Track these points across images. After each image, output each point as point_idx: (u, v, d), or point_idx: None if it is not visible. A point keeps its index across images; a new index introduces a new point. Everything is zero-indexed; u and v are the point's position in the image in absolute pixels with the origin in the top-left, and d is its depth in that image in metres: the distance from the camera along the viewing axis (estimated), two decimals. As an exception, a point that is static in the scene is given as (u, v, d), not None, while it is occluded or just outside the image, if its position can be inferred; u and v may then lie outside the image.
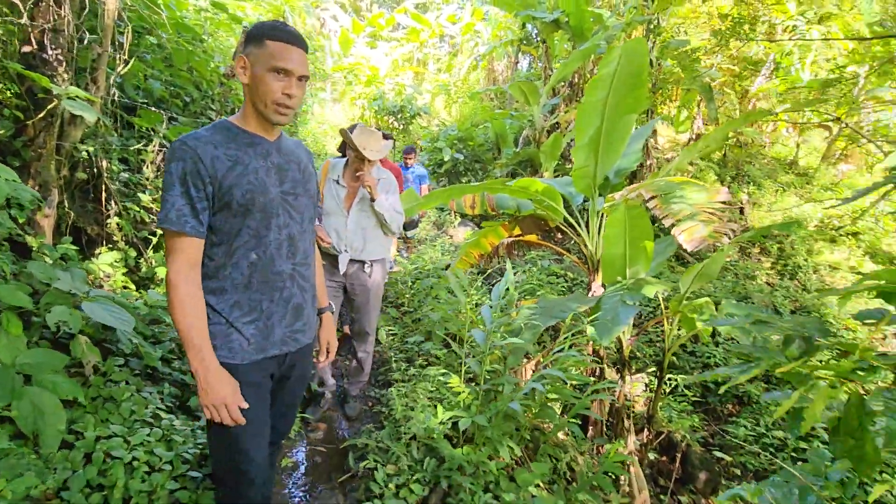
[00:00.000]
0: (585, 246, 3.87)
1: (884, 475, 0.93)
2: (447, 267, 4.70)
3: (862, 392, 0.83)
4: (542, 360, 3.25)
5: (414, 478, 2.10)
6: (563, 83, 8.80)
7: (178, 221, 1.28)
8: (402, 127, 12.15)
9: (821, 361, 1.13)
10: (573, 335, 3.38)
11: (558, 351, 3.06)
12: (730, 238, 1.95)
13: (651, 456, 4.22)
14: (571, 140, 7.29)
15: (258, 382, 1.41)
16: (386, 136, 3.61)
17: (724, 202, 2.35)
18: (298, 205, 1.47)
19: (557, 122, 8.53)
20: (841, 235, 7.16)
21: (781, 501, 1.22)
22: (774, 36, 6.93)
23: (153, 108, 3.37)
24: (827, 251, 7.01)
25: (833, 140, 8.40)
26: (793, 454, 4.17)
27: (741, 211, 7.82)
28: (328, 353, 1.76)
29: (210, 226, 1.35)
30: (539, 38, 9.59)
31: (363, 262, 2.79)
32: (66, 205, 2.65)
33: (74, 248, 2.50)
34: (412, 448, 2.28)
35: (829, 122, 6.20)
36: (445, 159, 9.45)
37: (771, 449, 4.52)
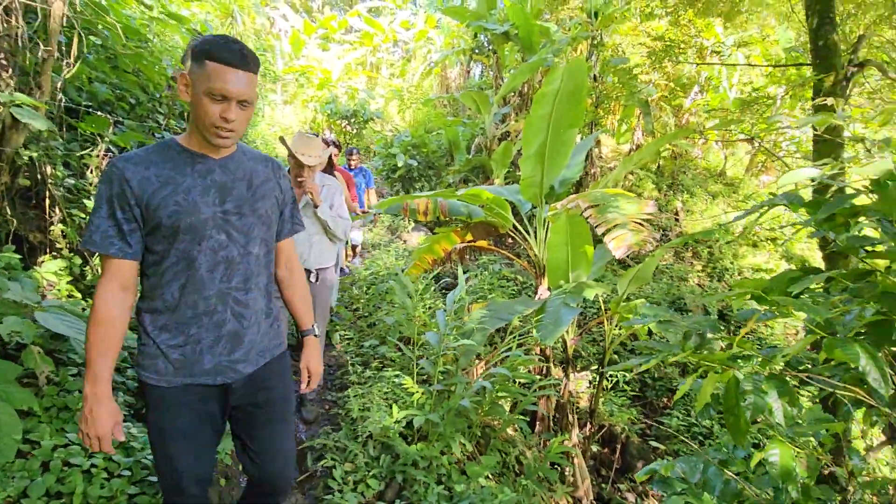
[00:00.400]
0: (533, 251, 4.11)
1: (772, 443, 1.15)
2: (401, 271, 4.82)
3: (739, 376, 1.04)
4: (491, 360, 3.43)
5: (371, 474, 2.21)
6: (513, 93, 9.13)
7: (103, 244, 1.27)
8: (355, 131, 12.15)
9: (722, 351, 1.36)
10: (520, 336, 3.59)
11: (506, 351, 3.25)
12: (653, 246, 2.19)
13: (594, 448, 4.51)
14: (521, 148, 7.59)
15: (189, 403, 1.38)
16: (333, 143, 3.69)
17: (651, 213, 2.63)
18: (242, 225, 1.38)
19: (508, 131, 8.84)
20: (761, 241, 7.85)
21: (688, 473, 1.43)
22: (704, 57, 7.53)
23: (98, 112, 3.29)
24: (750, 255, 7.67)
25: (754, 154, 9.19)
26: (718, 440, 4.58)
27: (676, 217, 8.41)
28: (309, 380, 1.63)
29: (147, 246, 1.34)
30: (490, 48, 9.91)
31: (309, 271, 2.81)
32: (8, 212, 2.57)
33: (17, 256, 2.43)
34: (369, 446, 2.38)
35: (751, 138, 6.82)
36: (399, 165, 9.56)
37: (700, 437, 4.93)
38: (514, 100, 9.34)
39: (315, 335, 1.65)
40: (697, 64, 7.13)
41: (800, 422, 1.26)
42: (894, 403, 1.18)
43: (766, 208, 1.22)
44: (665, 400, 5.71)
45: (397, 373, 2.98)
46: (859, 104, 6.20)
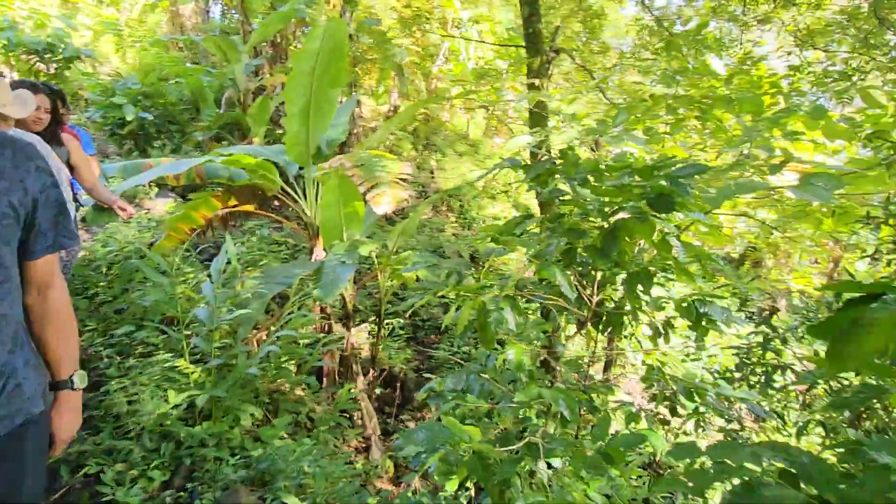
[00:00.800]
0: (305, 213, 4.09)
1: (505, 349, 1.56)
2: (151, 245, 4.21)
3: (484, 300, 1.36)
4: (273, 326, 3.38)
5: (152, 466, 2.01)
6: (265, 43, 8.48)
7: None
8: (53, 71, 9.47)
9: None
10: (301, 298, 3.62)
11: (289, 314, 3.25)
12: (414, 202, 2.51)
13: (377, 391, 4.93)
14: (280, 105, 7.22)
15: None
16: (52, 91, 2.91)
17: (409, 173, 2.96)
18: None
19: (263, 85, 8.24)
20: (498, 193, 9.42)
21: (456, 384, 1.79)
22: (447, 29, 8.34)
23: None
24: (490, 206, 9.15)
25: (488, 119, 10.81)
26: (474, 359, 5.55)
27: (432, 175, 9.36)
28: (57, 444, 1.25)
29: None
30: (233, -12, 8.88)
31: None
32: None
33: None
34: (144, 440, 2.14)
35: (485, 105, 7.98)
36: (129, 118, 7.95)
37: (462, 361, 5.86)
38: (267, 50, 8.70)
39: (73, 388, 1.25)
40: (441, 35, 7.88)
41: (525, 328, 1.71)
42: (581, 305, 1.70)
43: (496, 170, 1.58)
44: (433, 337, 6.54)
45: (168, 355, 2.69)
46: (558, 83, 7.86)
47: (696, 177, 2.22)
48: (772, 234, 4.39)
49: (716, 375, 3.84)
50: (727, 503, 0.56)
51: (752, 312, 5.20)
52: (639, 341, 2.45)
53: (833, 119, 3.28)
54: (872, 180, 3.22)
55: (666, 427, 2.13)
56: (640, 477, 3.03)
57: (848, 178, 3.09)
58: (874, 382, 1.05)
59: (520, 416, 1.75)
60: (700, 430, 2.68)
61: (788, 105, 3.55)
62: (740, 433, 3.39)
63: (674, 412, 2.16)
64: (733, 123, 3.92)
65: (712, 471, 0.59)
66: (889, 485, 0.66)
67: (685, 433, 2.93)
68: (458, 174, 9.13)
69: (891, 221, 3.39)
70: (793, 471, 0.54)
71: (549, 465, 1.72)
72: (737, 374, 3.75)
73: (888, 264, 3.80)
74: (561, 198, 1.52)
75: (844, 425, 2.71)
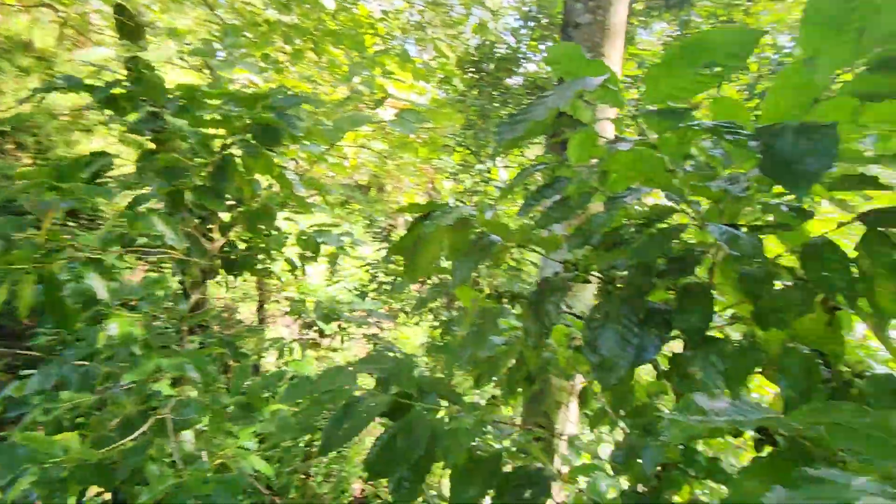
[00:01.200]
0: None
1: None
2: None
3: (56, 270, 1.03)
4: None
5: None
6: None
7: None
8: None
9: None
10: None
11: None
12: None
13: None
14: None
15: None
16: None
17: None
18: None
19: None
20: (96, 125, 7.45)
21: (43, 382, 1.36)
22: None
23: None
24: (86, 140, 7.17)
25: (62, 25, 8.15)
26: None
27: (-25, 98, 6.51)
28: None
29: None
30: None
31: None
32: None
33: None
34: None
35: (51, 5, 5.95)
36: None
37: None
38: None
39: None
40: None
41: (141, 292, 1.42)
42: (203, 253, 1.52)
43: (48, 91, 1.15)
44: (28, 322, 4.93)
45: None
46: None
47: (315, 109, 2.26)
48: (386, 162, 5.10)
49: (355, 292, 4.36)
50: (329, 426, 0.60)
51: (378, 231, 6.08)
52: (279, 278, 2.47)
53: (417, 63, 3.94)
54: (446, 116, 4.07)
55: (318, 349, 2.27)
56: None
57: (430, 115, 3.80)
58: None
59: (148, 392, 1.50)
60: (345, 343, 3.00)
61: (386, 46, 4.05)
62: (380, 336, 4.01)
63: (322, 334, 2.31)
64: (343, 59, 4.19)
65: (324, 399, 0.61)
66: (459, 347, 0.87)
67: (333, 349, 3.24)
68: (22, 98, 6.68)
69: (459, 149, 4.46)
70: (384, 377, 0.63)
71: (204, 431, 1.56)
72: (372, 286, 4.36)
73: (461, 182, 5.05)
74: (153, 129, 1.26)
75: (444, 310, 3.57)
